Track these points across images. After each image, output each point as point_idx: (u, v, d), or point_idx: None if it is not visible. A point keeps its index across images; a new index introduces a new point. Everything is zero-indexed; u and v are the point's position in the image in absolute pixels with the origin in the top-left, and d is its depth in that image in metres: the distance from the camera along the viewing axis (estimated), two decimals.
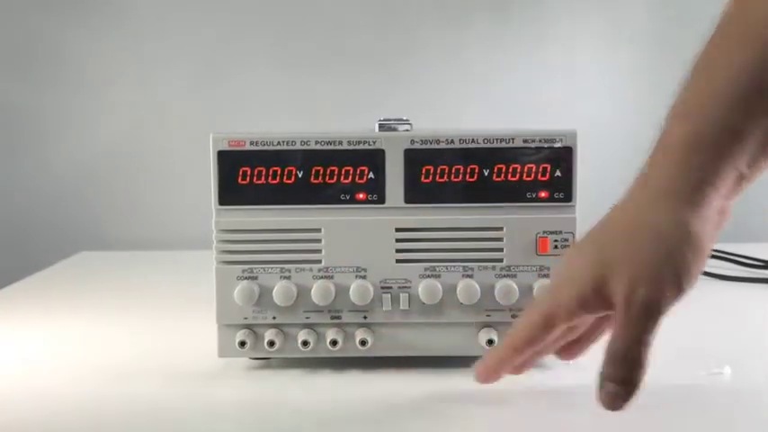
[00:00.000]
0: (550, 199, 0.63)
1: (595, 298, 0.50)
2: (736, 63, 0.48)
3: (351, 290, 0.63)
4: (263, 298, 0.63)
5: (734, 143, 0.48)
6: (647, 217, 0.49)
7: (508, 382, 0.62)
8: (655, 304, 0.48)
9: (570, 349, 0.59)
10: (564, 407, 0.59)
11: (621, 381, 0.48)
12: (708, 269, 1.07)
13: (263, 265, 0.64)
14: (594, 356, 0.66)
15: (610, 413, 0.55)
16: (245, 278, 0.64)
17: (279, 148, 0.63)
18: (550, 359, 0.66)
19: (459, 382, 0.62)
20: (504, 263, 0.64)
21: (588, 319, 0.55)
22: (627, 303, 0.48)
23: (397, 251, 0.64)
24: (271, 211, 0.64)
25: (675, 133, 0.50)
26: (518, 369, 0.58)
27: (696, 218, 0.48)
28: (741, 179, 0.49)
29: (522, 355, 0.55)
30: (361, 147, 0.63)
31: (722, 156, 0.48)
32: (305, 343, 0.63)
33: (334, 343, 0.63)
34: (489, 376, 0.56)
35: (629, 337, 0.48)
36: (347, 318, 0.64)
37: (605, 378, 0.49)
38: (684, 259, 0.48)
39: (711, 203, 0.49)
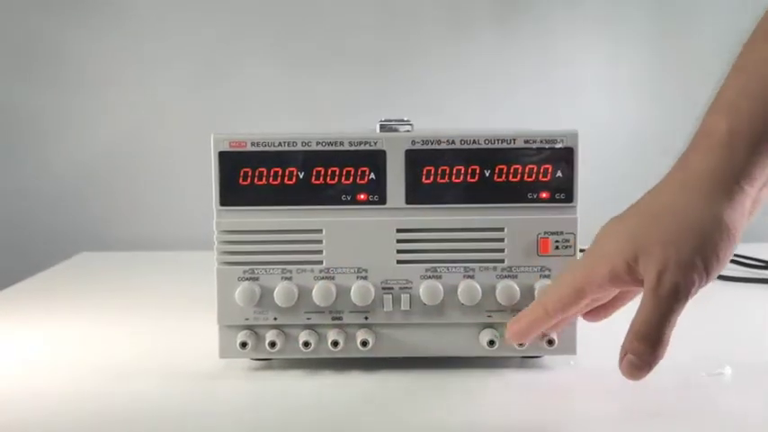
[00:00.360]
0: (551, 199, 0.63)
1: (627, 275, 0.53)
2: None
3: (352, 291, 0.63)
4: (264, 299, 0.63)
5: None
6: (684, 204, 0.51)
7: (509, 380, 0.62)
8: (683, 288, 0.50)
9: (596, 313, 0.62)
10: (564, 406, 0.59)
11: (644, 355, 0.52)
12: None
13: (265, 266, 0.64)
14: (595, 356, 0.66)
15: (610, 413, 0.56)
16: (247, 279, 0.64)
17: (280, 148, 0.63)
18: (551, 359, 0.66)
19: (461, 382, 0.62)
20: (506, 263, 0.64)
21: (614, 292, 0.59)
22: (656, 284, 0.51)
23: (399, 252, 0.64)
24: (272, 212, 0.64)
25: (714, 128, 0.52)
26: (545, 332, 0.63)
27: (730, 209, 0.51)
28: None
29: (553, 320, 0.58)
30: (362, 147, 0.63)
31: (759, 151, 0.50)
32: (306, 344, 0.63)
33: (335, 344, 0.63)
34: (521, 338, 0.60)
35: (656, 316, 0.51)
36: (348, 318, 0.64)
37: (629, 350, 0.52)
38: (715, 248, 0.50)
39: (746, 195, 0.51)
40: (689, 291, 0.51)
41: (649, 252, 0.51)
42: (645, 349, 0.52)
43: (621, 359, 0.53)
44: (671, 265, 0.50)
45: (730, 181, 0.51)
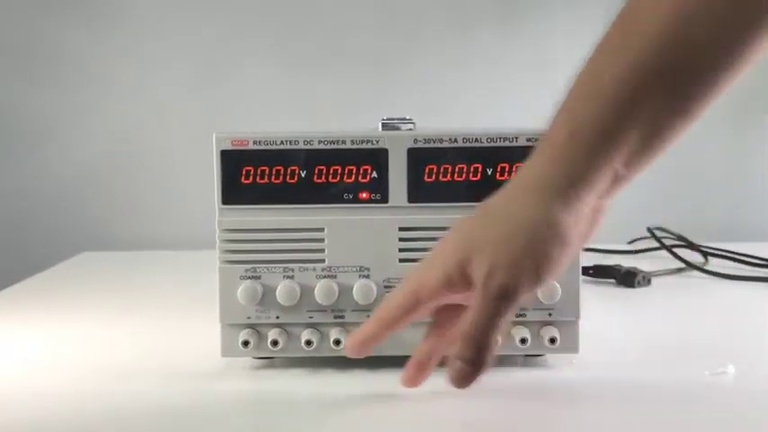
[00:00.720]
0: None
1: (459, 278, 0.51)
2: (615, 68, 0.49)
3: (354, 289, 0.63)
4: (266, 297, 0.63)
5: (608, 144, 0.49)
6: (518, 207, 0.51)
7: (512, 379, 0.62)
8: (511, 290, 0.49)
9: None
10: (566, 406, 0.59)
11: (469, 360, 0.50)
12: (710, 268, 1.07)
13: (267, 265, 0.64)
14: (597, 355, 0.66)
15: (612, 411, 0.56)
16: (249, 278, 0.64)
17: (282, 147, 0.63)
18: (552, 358, 0.66)
19: None
20: None
21: (455, 298, 0.55)
22: (484, 286, 0.50)
23: (401, 250, 0.64)
24: (274, 211, 0.64)
25: (555, 131, 0.51)
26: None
27: (565, 213, 0.49)
28: (618, 179, 0.50)
29: (392, 330, 0.56)
30: (364, 146, 0.63)
31: (597, 155, 0.49)
32: (308, 342, 0.63)
33: (337, 342, 0.63)
34: (360, 350, 0.57)
35: (482, 319, 0.50)
36: (350, 317, 0.64)
37: (455, 357, 0.51)
38: (546, 251, 0.49)
39: (583, 201, 0.50)
40: (517, 292, 0.49)
41: (480, 252, 0.50)
42: (471, 354, 0.50)
43: (450, 364, 0.51)
44: (500, 265, 0.49)
45: (565, 186, 0.49)
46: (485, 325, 0.50)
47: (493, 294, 0.49)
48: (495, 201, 0.53)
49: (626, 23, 0.50)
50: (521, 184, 0.52)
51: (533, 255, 0.49)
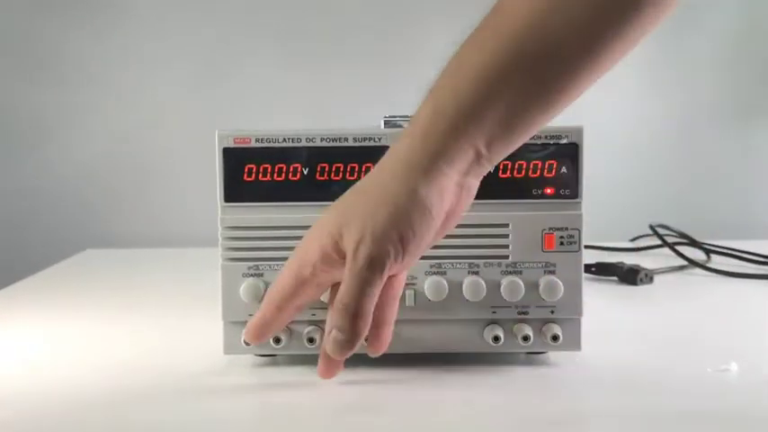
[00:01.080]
0: (556, 195, 0.63)
1: (334, 252, 0.54)
2: (479, 54, 0.52)
3: None
4: None
5: (469, 122, 0.52)
6: (385, 182, 0.53)
7: (514, 376, 0.62)
8: (377, 259, 0.52)
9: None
10: (568, 403, 0.59)
11: (343, 329, 0.53)
12: (713, 265, 1.07)
13: (269, 262, 0.64)
14: (599, 352, 0.66)
15: (615, 409, 0.56)
16: (251, 275, 0.64)
17: (284, 144, 0.63)
18: (555, 356, 0.66)
19: (465, 378, 0.62)
20: (510, 259, 0.63)
21: (335, 275, 0.56)
22: (353, 257, 0.52)
23: None
24: (276, 208, 0.64)
25: (423, 109, 0.54)
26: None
27: (428, 188, 0.52)
28: (480, 158, 0.53)
29: (285, 312, 0.58)
30: (366, 143, 0.63)
31: (457, 132, 0.52)
32: (311, 340, 0.63)
33: None
34: (257, 336, 0.59)
35: (353, 288, 0.52)
36: None
37: (332, 327, 0.54)
38: (411, 223, 0.52)
39: (446, 176, 0.52)
40: (384, 262, 0.52)
41: (350, 226, 0.53)
42: (345, 322, 0.53)
43: (326, 336, 0.54)
44: (366, 236, 0.52)
45: (427, 161, 0.52)
46: (356, 294, 0.52)
47: (360, 265, 0.52)
48: (367, 178, 0.56)
49: (494, 16, 0.54)
50: (389, 160, 0.54)
51: (397, 227, 0.52)
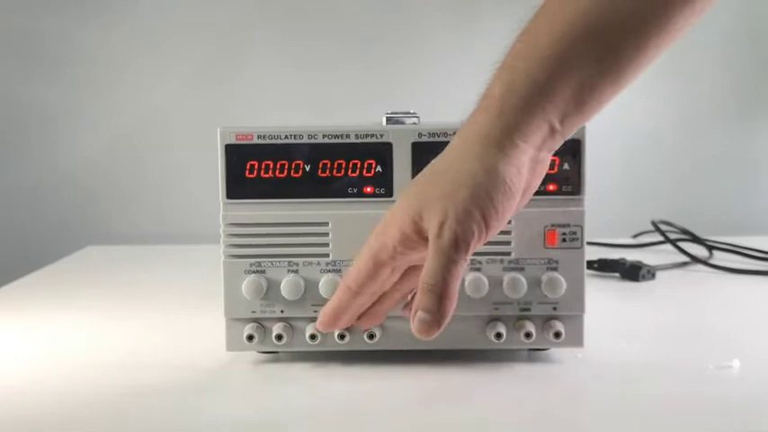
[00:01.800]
0: (559, 192, 0.63)
1: (414, 234, 0.54)
2: (550, 29, 0.53)
3: None
4: (270, 292, 0.63)
5: (543, 97, 0.52)
6: (462, 160, 0.53)
7: (516, 373, 0.62)
8: (461, 238, 0.52)
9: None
10: (570, 400, 0.59)
11: (430, 309, 0.52)
12: (715, 262, 1.07)
13: (271, 259, 0.64)
14: (602, 349, 0.66)
15: (617, 406, 0.56)
16: (253, 272, 0.64)
17: (286, 141, 0.63)
18: (557, 352, 0.66)
19: (467, 374, 0.62)
20: (512, 256, 0.63)
21: (414, 258, 0.57)
22: (438, 236, 0.52)
23: None
24: (278, 205, 0.64)
25: (494, 85, 0.54)
26: (362, 321, 0.61)
27: (505, 164, 0.52)
28: (554, 132, 0.53)
29: (360, 297, 0.58)
30: (368, 140, 0.63)
31: (531, 108, 0.52)
32: (313, 337, 0.63)
33: (341, 337, 0.63)
34: (331, 322, 0.59)
35: (439, 268, 0.52)
36: None
37: (418, 307, 0.53)
38: (492, 200, 0.52)
39: (523, 151, 0.53)
40: (468, 241, 0.52)
41: (431, 206, 0.53)
42: (432, 303, 0.52)
43: (412, 317, 0.53)
44: (450, 216, 0.52)
45: (503, 137, 0.52)
46: (441, 274, 0.52)
47: (446, 244, 0.52)
48: (441, 158, 0.55)
49: None
50: (462, 138, 0.54)
51: (479, 204, 0.52)
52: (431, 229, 0.52)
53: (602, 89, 0.53)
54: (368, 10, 1.37)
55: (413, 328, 0.54)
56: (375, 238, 0.57)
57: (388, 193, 0.63)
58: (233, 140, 0.63)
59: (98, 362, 0.68)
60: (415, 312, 0.53)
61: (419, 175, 0.56)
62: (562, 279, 0.62)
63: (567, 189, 0.63)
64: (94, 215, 1.38)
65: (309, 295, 0.63)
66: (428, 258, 0.53)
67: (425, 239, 0.53)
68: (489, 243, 0.63)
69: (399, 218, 0.55)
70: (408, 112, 0.65)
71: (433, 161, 0.56)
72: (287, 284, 0.63)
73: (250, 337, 0.63)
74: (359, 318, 0.61)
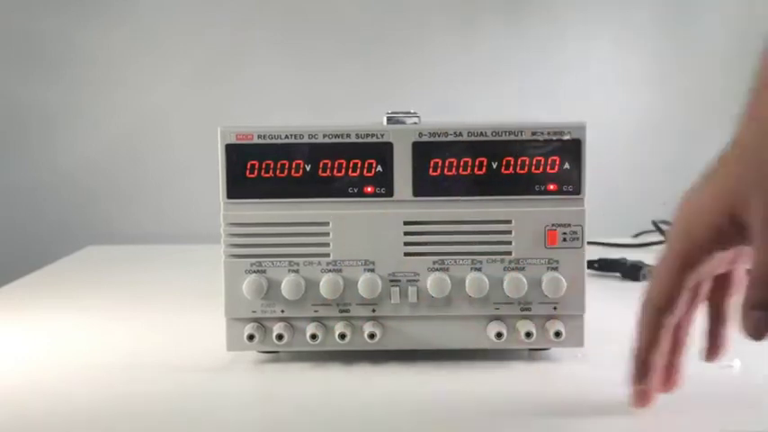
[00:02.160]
0: (559, 192, 0.63)
1: (731, 227, 0.47)
2: None
3: (359, 283, 0.63)
4: (271, 291, 0.63)
5: None
6: None
7: (517, 373, 0.62)
8: None
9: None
10: (570, 400, 0.59)
11: (766, 305, 0.45)
12: None
13: (272, 259, 0.64)
14: (601, 350, 0.66)
15: (617, 405, 0.55)
16: (254, 272, 0.64)
17: (287, 141, 0.63)
18: (559, 351, 0.66)
19: (468, 374, 0.62)
20: (513, 256, 0.63)
21: (722, 263, 0.52)
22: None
23: (406, 244, 0.64)
24: (279, 205, 0.64)
25: None
26: (670, 372, 0.54)
27: None
28: None
29: (671, 316, 0.51)
30: (369, 140, 0.63)
31: None
32: (313, 336, 0.63)
33: (342, 336, 0.63)
34: (643, 367, 0.52)
35: None
36: (355, 311, 0.64)
37: (749, 306, 0.46)
38: None
39: None
40: None
41: (751, 197, 0.46)
42: (766, 297, 0.45)
43: (744, 317, 0.46)
44: None
45: None
46: None
47: None
48: (734, 148, 0.49)
49: None
50: (756, 124, 0.48)
51: None
52: (757, 220, 0.46)
53: None
54: (368, 10, 1.37)
55: (744, 328, 0.46)
56: (677, 245, 0.50)
57: (389, 192, 0.63)
58: (233, 140, 0.63)
59: (98, 362, 0.68)
60: (748, 310, 0.46)
61: (713, 164, 0.50)
62: (562, 279, 0.62)
63: (567, 189, 0.63)
64: (94, 215, 1.38)
65: (310, 295, 0.63)
66: (759, 251, 0.46)
67: (742, 232, 0.47)
68: (489, 243, 0.64)
69: (709, 215, 0.48)
70: (409, 112, 0.65)
71: (717, 157, 0.50)
72: (287, 284, 0.63)
73: (251, 337, 0.63)
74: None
